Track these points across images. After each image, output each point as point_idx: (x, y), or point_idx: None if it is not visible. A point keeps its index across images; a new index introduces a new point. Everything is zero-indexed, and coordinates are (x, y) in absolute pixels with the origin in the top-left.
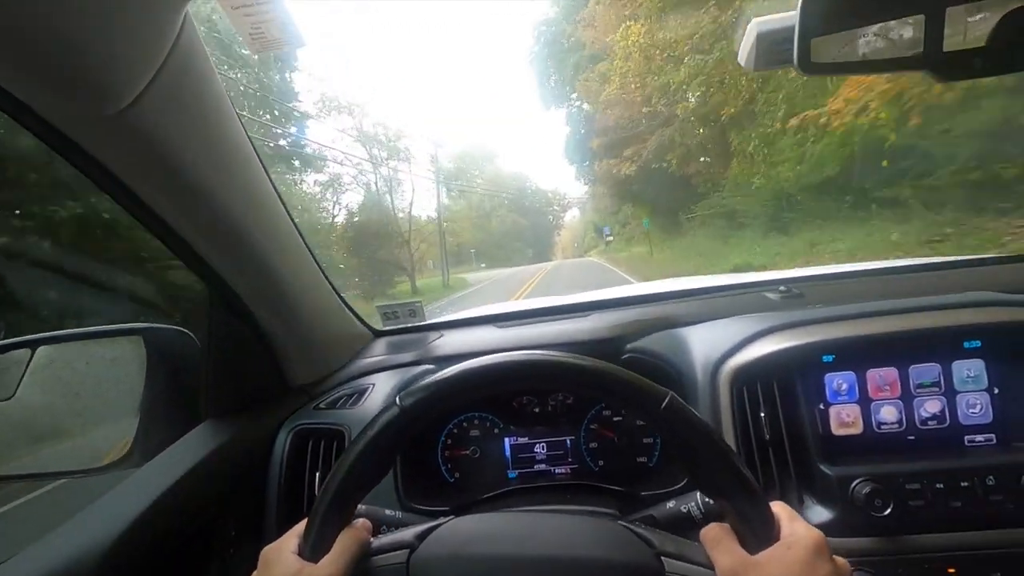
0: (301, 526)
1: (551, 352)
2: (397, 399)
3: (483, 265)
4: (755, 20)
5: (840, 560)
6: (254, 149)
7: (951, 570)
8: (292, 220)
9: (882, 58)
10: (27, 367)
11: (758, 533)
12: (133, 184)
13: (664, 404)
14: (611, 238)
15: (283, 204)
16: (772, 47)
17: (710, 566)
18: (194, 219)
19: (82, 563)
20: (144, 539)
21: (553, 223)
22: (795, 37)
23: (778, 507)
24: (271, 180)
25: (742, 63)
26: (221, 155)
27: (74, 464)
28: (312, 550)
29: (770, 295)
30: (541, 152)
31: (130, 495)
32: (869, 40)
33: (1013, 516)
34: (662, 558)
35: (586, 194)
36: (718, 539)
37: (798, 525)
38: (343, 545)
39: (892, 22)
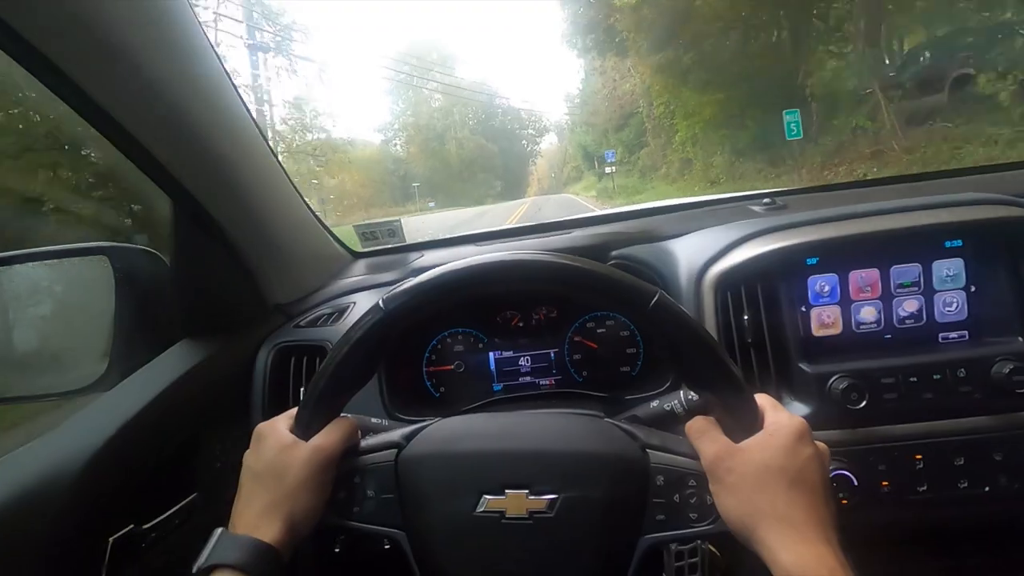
0: (292, 411)
1: (537, 251)
2: (380, 301)
3: (432, 204)
4: None
5: (821, 445)
6: (217, 56)
7: (918, 456)
8: (264, 137)
9: None
10: None
11: (743, 423)
12: (87, 86)
13: (654, 301)
14: (613, 168)
15: (254, 121)
16: None
17: (695, 456)
18: (159, 130)
19: (58, 478)
20: (128, 450)
21: (528, 150)
22: None
23: (761, 398)
24: (240, 95)
25: None
26: (185, 65)
27: (45, 387)
28: (303, 428)
29: (754, 207)
30: (514, 57)
31: (107, 411)
32: None
33: (980, 405)
34: (647, 450)
35: (571, 112)
36: (703, 430)
37: (781, 414)
38: (333, 427)
39: None
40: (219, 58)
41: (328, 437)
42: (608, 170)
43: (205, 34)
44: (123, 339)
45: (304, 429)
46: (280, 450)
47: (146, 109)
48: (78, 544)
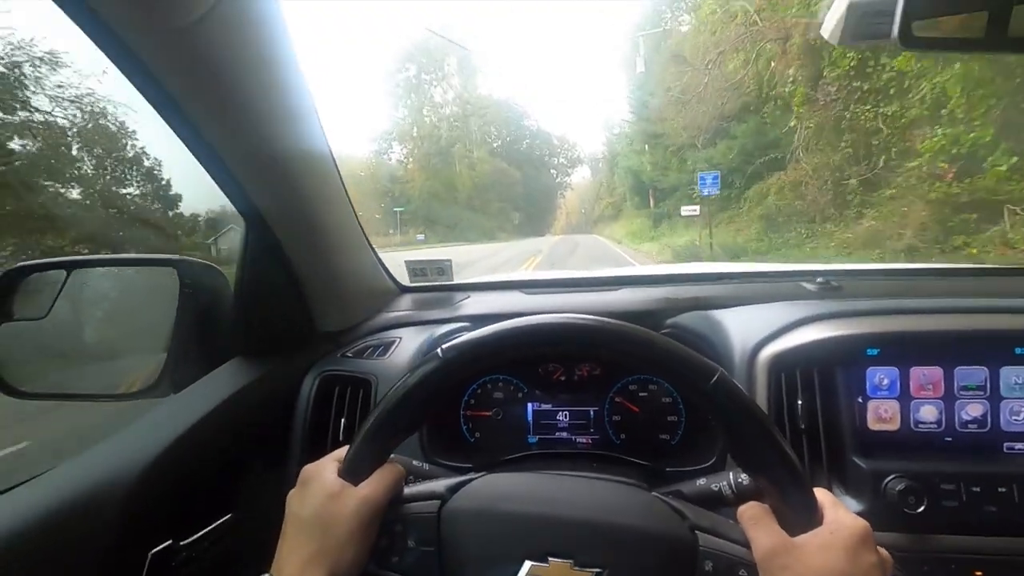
0: (340, 452)
1: (599, 317)
2: (439, 350)
3: (421, 238)
4: None
5: (884, 552)
6: (308, 91)
7: (977, 573)
8: (337, 168)
9: (971, 37)
10: (62, 288)
11: (800, 515)
12: (186, 106)
13: (714, 379)
14: (695, 210)
15: (331, 152)
16: (864, 20)
17: (746, 544)
18: (242, 150)
19: (116, 483)
20: (176, 465)
21: (556, 181)
22: (897, 12)
23: (821, 494)
24: (321, 124)
25: (826, 36)
26: (277, 89)
27: (101, 388)
28: (352, 474)
29: (807, 285)
30: (548, 75)
31: (164, 422)
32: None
33: None
34: (696, 532)
35: (618, 128)
36: (757, 518)
37: (842, 513)
38: (381, 474)
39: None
40: (310, 93)
41: (377, 486)
42: (689, 211)
43: (300, 70)
44: (180, 349)
45: (353, 474)
46: (328, 498)
47: (240, 140)
48: (121, 555)
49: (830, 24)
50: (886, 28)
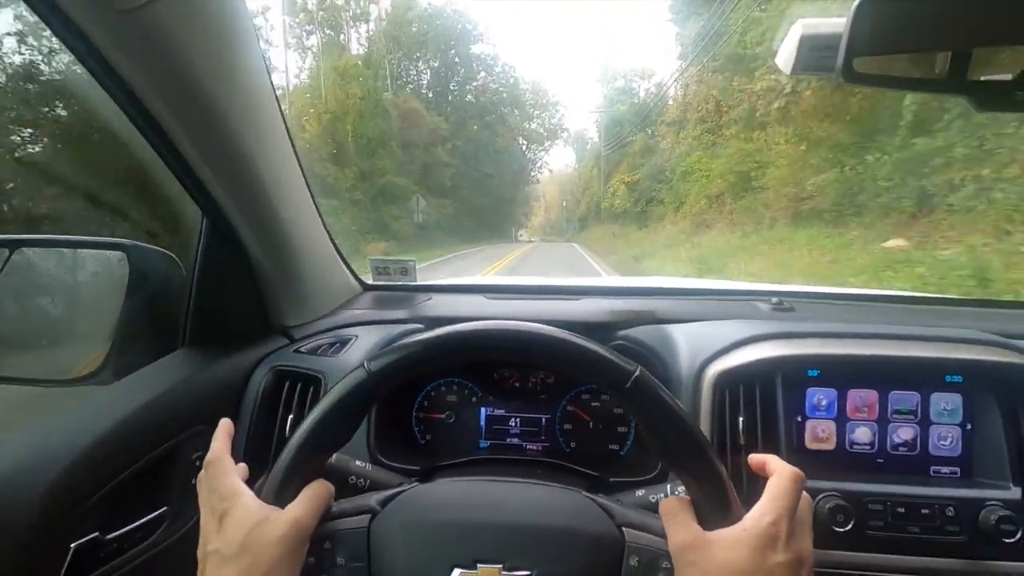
0: (242, 471)
1: (524, 322)
2: (365, 363)
3: None
4: (801, 21)
5: (801, 550)
6: (270, 79)
7: None
8: (298, 159)
9: (923, 77)
10: (3, 267)
11: (716, 510)
12: (140, 91)
13: (633, 377)
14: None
15: (292, 144)
16: (813, 52)
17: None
18: (198, 137)
19: (39, 470)
20: (110, 454)
21: (527, 157)
22: (841, 48)
23: (778, 472)
24: (283, 113)
25: (779, 64)
26: (235, 76)
27: (41, 372)
28: (277, 497)
29: (761, 305)
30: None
31: (99, 410)
32: (912, 58)
33: (965, 548)
34: (623, 528)
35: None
36: (674, 512)
37: (768, 509)
38: (308, 494)
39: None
40: (271, 79)
41: (304, 508)
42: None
43: (263, 56)
44: (125, 337)
45: (278, 497)
46: (252, 527)
47: (194, 124)
48: (40, 546)
49: (784, 54)
50: (833, 62)
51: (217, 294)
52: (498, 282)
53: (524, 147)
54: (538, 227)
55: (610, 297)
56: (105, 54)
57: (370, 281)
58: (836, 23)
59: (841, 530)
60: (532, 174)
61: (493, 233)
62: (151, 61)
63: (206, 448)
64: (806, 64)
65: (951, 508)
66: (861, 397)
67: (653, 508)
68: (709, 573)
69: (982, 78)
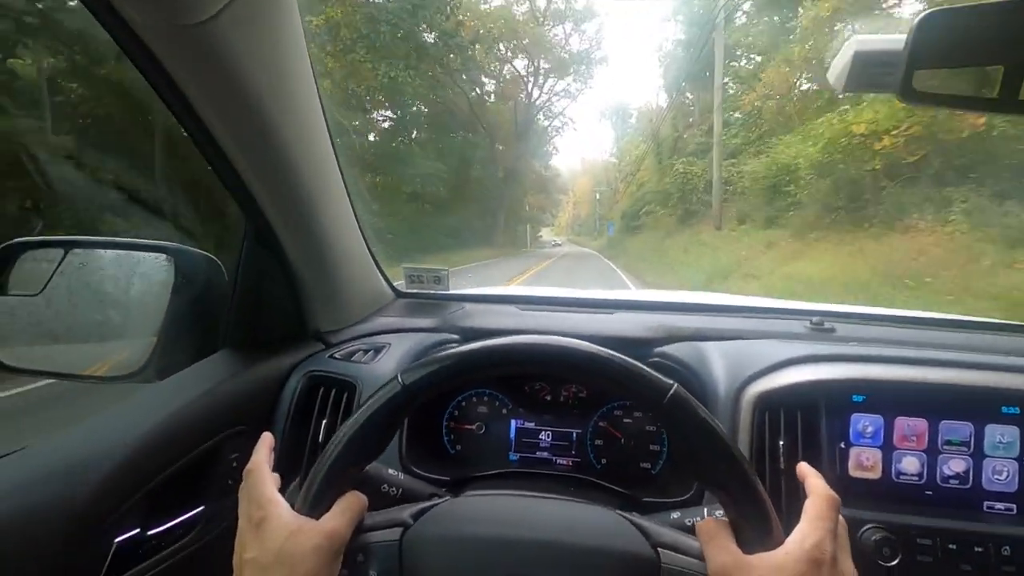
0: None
1: (559, 337)
2: (399, 376)
3: None
4: (855, 38)
5: (846, 570)
6: (318, 90)
7: None
8: (341, 170)
9: (977, 96)
10: (58, 266)
11: (756, 533)
12: (196, 101)
13: (670, 395)
14: None
15: (336, 154)
16: (867, 69)
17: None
18: (248, 147)
19: (88, 468)
20: (152, 452)
21: (542, 125)
22: (902, 63)
23: (812, 507)
24: (328, 126)
25: (831, 81)
26: (287, 88)
27: (88, 368)
28: (312, 508)
29: (800, 324)
30: None
31: (144, 409)
32: (967, 77)
33: None
34: (658, 549)
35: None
36: (713, 534)
37: (809, 530)
38: (342, 505)
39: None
40: (319, 92)
41: (340, 519)
42: None
43: (312, 67)
44: (169, 337)
45: (313, 508)
46: (288, 537)
47: (245, 134)
48: (88, 540)
49: (836, 71)
50: (889, 79)
51: (257, 298)
52: (531, 293)
53: (529, 94)
54: (565, 226)
55: (644, 311)
56: (165, 65)
57: (403, 288)
58: (890, 39)
59: (887, 564)
60: (549, 146)
61: (486, 240)
62: (209, 73)
63: (244, 449)
64: (859, 81)
65: (1007, 547)
66: (910, 426)
67: (689, 530)
68: None
69: None
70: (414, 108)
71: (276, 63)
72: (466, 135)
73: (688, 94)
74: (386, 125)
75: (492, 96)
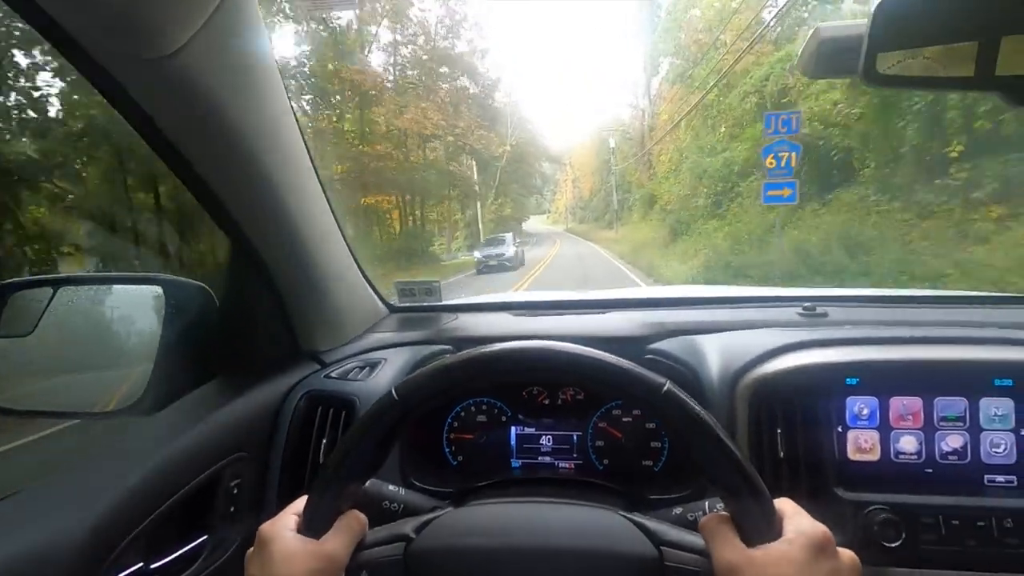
0: (298, 505)
1: (551, 341)
2: (394, 390)
3: None
4: (821, 25)
5: (847, 555)
6: (293, 112)
7: None
8: (323, 188)
9: (949, 76)
10: (48, 305)
11: (758, 526)
12: (171, 133)
13: (664, 391)
14: None
15: (316, 172)
16: (834, 55)
17: (709, 556)
18: (227, 173)
19: (87, 506)
20: (153, 486)
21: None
22: (863, 48)
23: (783, 503)
24: (307, 145)
25: (799, 70)
26: (263, 111)
27: (85, 405)
28: (313, 528)
29: (792, 311)
30: None
31: (143, 442)
32: (936, 56)
33: None
34: (662, 547)
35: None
36: (716, 529)
37: (803, 520)
38: (342, 525)
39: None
40: (294, 113)
41: (339, 541)
42: None
43: (285, 90)
44: (164, 368)
45: (313, 529)
46: (289, 561)
47: (221, 157)
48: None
49: (804, 59)
50: (854, 64)
51: (246, 321)
52: (524, 298)
53: None
54: (564, 211)
55: (637, 309)
56: (137, 99)
57: (395, 303)
58: (856, 25)
59: (891, 545)
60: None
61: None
62: (183, 104)
63: (244, 475)
64: (826, 67)
65: (1009, 520)
66: (904, 405)
67: (692, 526)
68: None
69: (1015, 73)
70: None
71: (249, 87)
72: None
73: None
74: None
75: None
